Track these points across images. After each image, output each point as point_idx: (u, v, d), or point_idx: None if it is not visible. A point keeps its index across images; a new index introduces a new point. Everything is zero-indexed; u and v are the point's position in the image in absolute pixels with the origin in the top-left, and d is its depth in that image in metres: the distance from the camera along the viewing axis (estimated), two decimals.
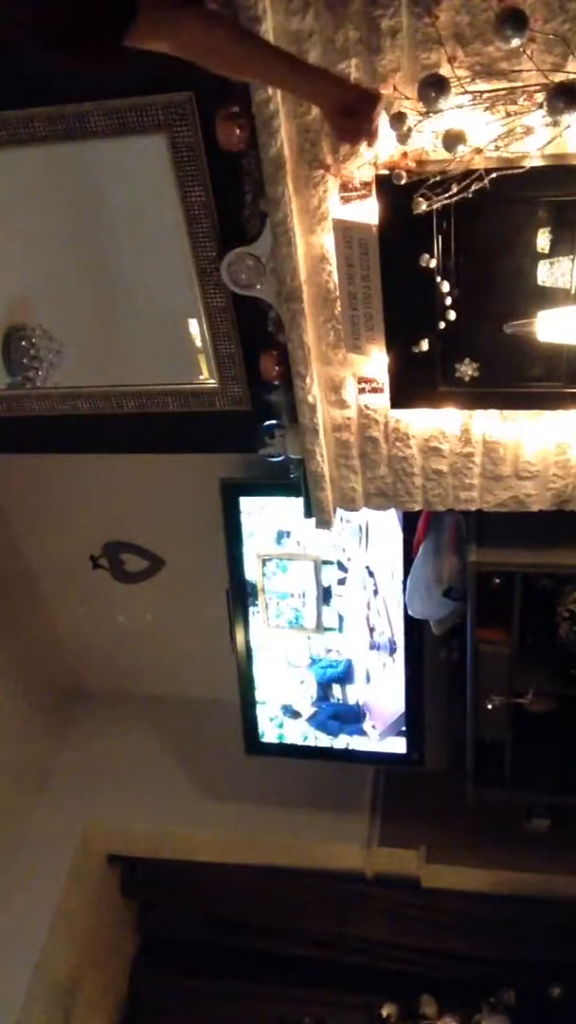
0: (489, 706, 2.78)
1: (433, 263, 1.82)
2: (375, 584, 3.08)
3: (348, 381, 2.16)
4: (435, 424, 2.16)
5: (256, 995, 3.50)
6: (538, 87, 1.57)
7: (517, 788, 2.99)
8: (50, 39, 1.33)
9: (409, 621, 2.99)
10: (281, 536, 3.09)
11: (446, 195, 1.67)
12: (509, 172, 1.65)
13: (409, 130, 1.66)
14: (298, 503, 2.44)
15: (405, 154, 1.73)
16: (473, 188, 1.65)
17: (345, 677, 3.28)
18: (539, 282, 1.81)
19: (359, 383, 2.15)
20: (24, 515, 3.51)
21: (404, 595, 2.89)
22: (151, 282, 2.43)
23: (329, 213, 1.90)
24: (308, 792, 3.49)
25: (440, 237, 1.79)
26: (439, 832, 3.36)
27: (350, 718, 3.33)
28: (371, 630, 3.16)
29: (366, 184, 1.83)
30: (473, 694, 2.79)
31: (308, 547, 3.09)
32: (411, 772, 3.34)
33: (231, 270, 2.20)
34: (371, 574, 3.07)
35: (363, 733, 3.33)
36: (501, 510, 2.32)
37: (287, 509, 2.93)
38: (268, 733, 3.40)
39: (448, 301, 1.86)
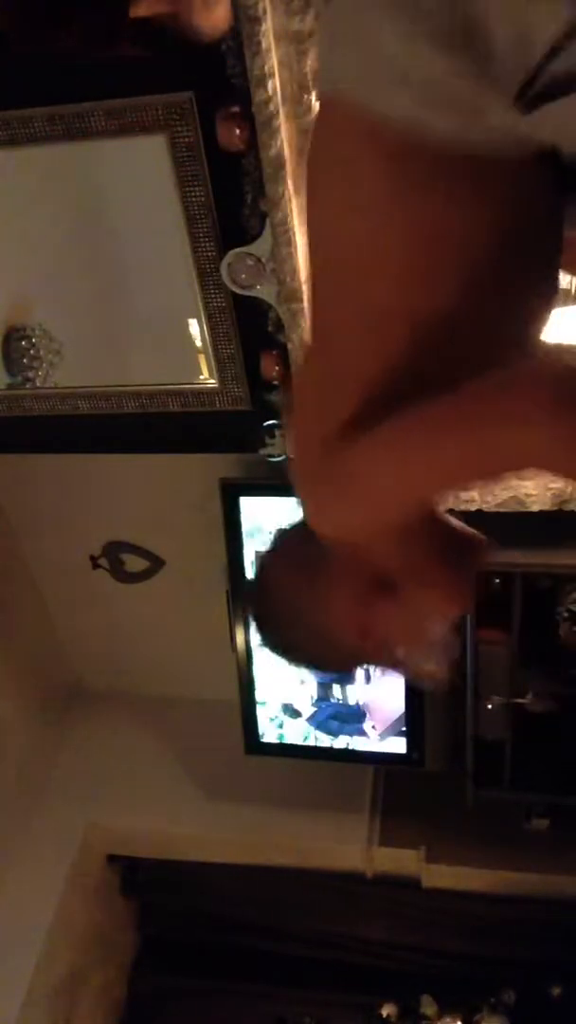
0: (489, 706, 2.78)
1: None
2: None
3: None
4: None
5: (256, 995, 3.49)
6: None
7: (517, 788, 2.99)
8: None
9: None
10: None
11: None
12: None
13: None
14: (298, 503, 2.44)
15: None
16: None
17: (345, 677, 3.27)
18: None
19: None
20: (24, 515, 3.50)
21: None
22: (151, 282, 2.43)
23: None
24: (308, 792, 3.48)
25: None
26: (439, 832, 3.35)
27: (350, 718, 3.33)
28: None
29: None
30: (473, 694, 2.79)
31: None
32: (411, 772, 3.34)
33: (231, 270, 2.20)
34: None
35: (363, 733, 3.32)
36: (501, 510, 2.32)
37: (287, 509, 2.92)
38: (268, 733, 3.40)
39: None
